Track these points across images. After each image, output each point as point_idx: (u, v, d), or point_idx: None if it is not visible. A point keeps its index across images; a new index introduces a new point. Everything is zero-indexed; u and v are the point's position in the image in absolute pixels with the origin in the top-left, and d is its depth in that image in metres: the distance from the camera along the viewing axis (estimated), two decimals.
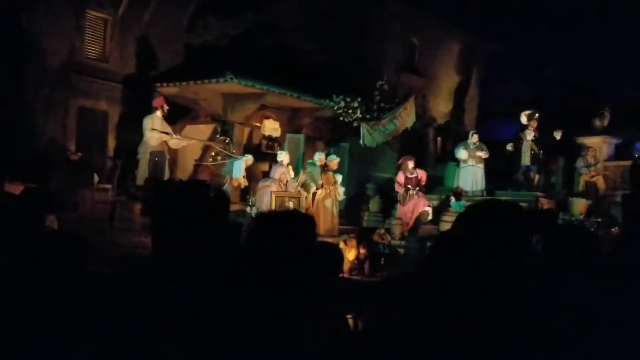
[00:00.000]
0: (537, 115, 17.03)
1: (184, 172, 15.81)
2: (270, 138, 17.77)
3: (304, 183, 14.85)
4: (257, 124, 17.43)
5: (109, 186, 13.01)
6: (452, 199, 15.95)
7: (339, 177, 15.47)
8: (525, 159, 16.90)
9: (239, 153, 15.39)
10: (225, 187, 14.33)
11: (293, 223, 2.21)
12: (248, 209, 13.29)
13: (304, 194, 14.75)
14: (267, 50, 17.26)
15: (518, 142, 17.06)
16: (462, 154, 16.80)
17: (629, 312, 2.19)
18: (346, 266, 11.02)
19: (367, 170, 17.89)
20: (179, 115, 16.40)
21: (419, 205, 15.52)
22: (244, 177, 14.70)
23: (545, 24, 24.14)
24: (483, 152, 16.72)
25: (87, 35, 15.50)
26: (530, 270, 2.06)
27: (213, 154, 14.43)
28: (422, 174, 15.81)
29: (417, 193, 15.53)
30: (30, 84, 14.03)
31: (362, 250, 11.48)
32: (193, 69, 16.09)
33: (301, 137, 17.63)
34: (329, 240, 10.12)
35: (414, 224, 15.42)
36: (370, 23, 19.69)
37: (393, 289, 2.11)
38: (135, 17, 16.23)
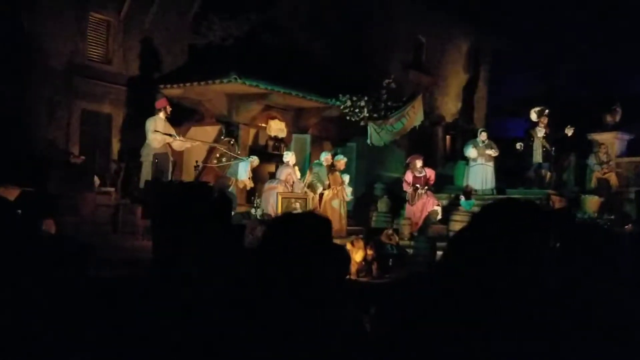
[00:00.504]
0: (547, 111, 16.79)
1: (190, 174, 15.62)
2: (276, 139, 17.58)
3: (311, 184, 14.65)
4: (263, 125, 17.24)
5: (111, 189, 12.82)
6: (462, 198, 15.75)
7: (347, 177, 15.28)
8: (537, 157, 16.66)
9: (244, 154, 15.21)
10: (230, 188, 14.15)
11: (309, 225, 2.18)
12: (253, 210, 13.09)
13: (311, 194, 14.57)
14: (272, 50, 17.06)
15: (529, 139, 16.83)
16: (471, 152, 16.58)
17: None
18: (353, 267, 10.79)
19: (375, 170, 17.69)
20: (184, 117, 16.25)
21: (428, 205, 15.32)
22: (249, 178, 14.51)
23: (554, 19, 23.83)
24: (492, 150, 16.50)
25: (89, 37, 15.34)
26: (548, 270, 2.02)
27: (218, 155, 14.25)
28: (430, 173, 15.59)
29: (425, 192, 15.33)
30: (33, 87, 13.91)
31: (369, 251, 11.22)
32: (197, 70, 15.93)
33: (307, 137, 17.43)
34: (337, 241, 9.88)
35: (423, 224, 15.22)
36: (376, 21, 19.46)
37: (407, 289, 2.12)
38: (138, 19, 16.07)
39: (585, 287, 2.32)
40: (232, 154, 14.25)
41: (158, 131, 12.66)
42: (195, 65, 16.50)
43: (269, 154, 17.35)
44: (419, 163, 15.52)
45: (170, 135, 12.91)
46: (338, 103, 16.90)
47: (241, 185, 14.47)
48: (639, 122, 18.34)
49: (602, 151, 16.79)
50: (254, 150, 16.50)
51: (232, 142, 14.54)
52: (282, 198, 13.92)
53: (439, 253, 12.95)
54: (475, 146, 16.59)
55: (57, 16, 14.43)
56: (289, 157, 14.71)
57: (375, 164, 17.69)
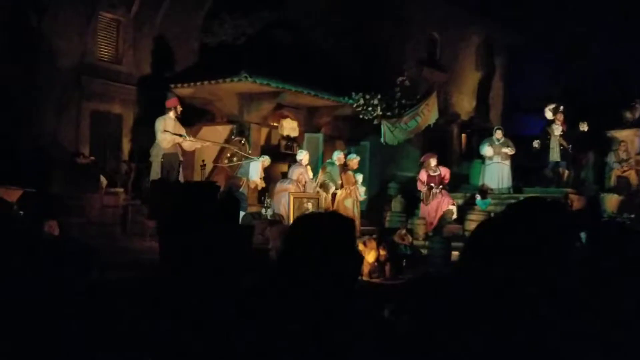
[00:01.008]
0: (562, 108, 16.52)
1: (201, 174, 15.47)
2: (289, 138, 17.38)
3: (323, 183, 14.42)
4: (275, 124, 17.05)
5: (120, 190, 12.66)
6: (478, 197, 15.52)
7: (360, 177, 15.07)
8: (554, 155, 16.39)
9: (256, 154, 15.02)
10: (241, 189, 13.98)
11: (333, 225, 2.16)
12: (263, 210, 12.89)
13: (323, 194, 14.34)
14: (284, 48, 16.88)
15: (545, 137, 16.52)
16: (487, 150, 16.33)
17: None
18: (366, 268, 10.59)
19: (389, 169, 17.51)
20: (195, 116, 16.09)
21: (442, 204, 15.11)
22: (261, 178, 14.31)
23: (571, 14, 23.44)
24: (509, 148, 16.23)
25: (99, 36, 15.22)
26: (576, 270, 2.02)
27: (229, 155, 14.05)
28: (445, 172, 15.36)
29: (440, 191, 15.09)
30: (42, 87, 13.81)
31: (382, 252, 10.98)
32: (208, 69, 15.76)
33: (320, 136, 17.22)
34: None
35: (438, 224, 15.01)
36: (389, 17, 19.20)
37: (430, 289, 2.10)
38: (148, 18, 15.94)
39: (612, 287, 2.27)
40: (243, 153, 14.04)
41: (168, 131, 12.45)
42: (207, 64, 16.34)
43: (281, 154, 17.17)
44: (433, 162, 15.31)
45: (180, 135, 12.72)
46: (351, 101, 16.69)
47: (252, 186, 14.29)
48: None
49: (622, 149, 16.57)
50: (266, 150, 16.33)
51: (243, 142, 14.33)
52: (293, 198, 13.72)
53: (455, 253, 12.76)
54: (491, 144, 16.33)
55: (67, 16, 14.33)
56: (303, 155, 14.51)
57: (389, 163, 17.50)
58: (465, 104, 22.36)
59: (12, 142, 12.41)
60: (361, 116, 16.83)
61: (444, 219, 15.04)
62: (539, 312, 1.79)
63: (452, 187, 16.31)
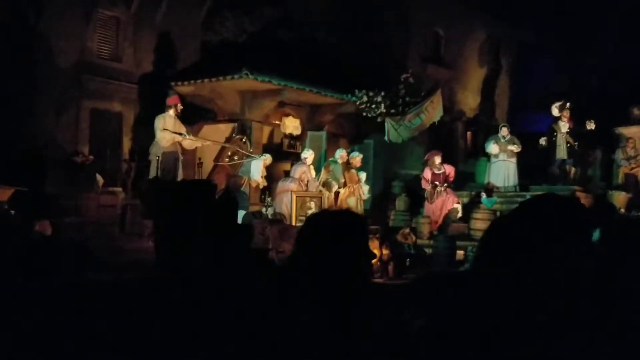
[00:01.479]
0: (568, 105, 16.26)
1: (204, 173, 15.30)
2: (291, 136, 17.19)
3: (326, 182, 14.23)
4: (277, 122, 16.84)
5: (119, 189, 12.48)
6: (483, 195, 15.27)
7: (363, 175, 14.90)
8: (561, 152, 16.15)
9: (257, 152, 14.82)
10: (243, 188, 13.80)
11: (346, 222, 2.14)
12: (264, 209, 12.70)
13: (326, 193, 14.15)
14: (286, 45, 16.69)
15: (552, 134, 16.27)
16: (492, 148, 16.09)
17: None
18: None
19: (393, 167, 17.28)
20: (197, 115, 15.93)
21: (447, 203, 14.90)
22: (263, 177, 14.12)
23: (577, 10, 23.19)
24: (515, 145, 15.99)
25: (98, 34, 15.08)
26: (593, 268, 1.93)
27: (229, 153, 13.85)
28: (449, 170, 15.14)
29: (445, 190, 14.87)
30: (40, 86, 13.68)
31: (385, 251, 10.78)
32: (210, 66, 15.60)
33: (323, 134, 17.01)
34: None
35: (443, 222, 14.78)
36: (393, 13, 18.99)
37: (449, 288, 2.07)
38: (148, 15, 15.78)
39: (629, 284, 2.20)
40: (244, 152, 13.85)
41: (167, 129, 12.28)
42: (208, 62, 16.19)
43: (284, 152, 16.98)
44: (437, 159, 15.10)
45: (180, 133, 12.53)
46: (354, 99, 16.49)
47: (254, 185, 14.10)
48: None
49: (630, 146, 16.36)
50: (268, 148, 16.14)
51: (244, 140, 14.14)
52: (296, 197, 13.54)
53: (460, 252, 12.56)
54: (497, 142, 16.10)
55: (65, 14, 14.22)
56: (308, 154, 14.32)
57: (393, 161, 17.26)
58: (470, 101, 22.15)
59: (8, 142, 12.25)
60: (365, 114, 16.64)
61: (448, 218, 14.82)
62: (554, 311, 1.76)
63: (457, 185, 16.08)
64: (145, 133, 14.00)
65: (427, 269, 11.46)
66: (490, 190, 15.63)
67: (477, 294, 1.85)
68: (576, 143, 16.03)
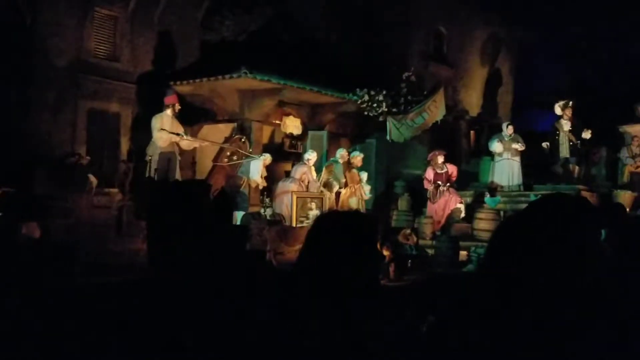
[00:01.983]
0: (571, 103, 16.07)
1: (203, 173, 15.12)
2: (292, 136, 16.99)
3: (327, 182, 14.03)
4: (277, 122, 16.63)
5: (115, 190, 12.28)
6: (487, 195, 15.06)
7: (364, 175, 14.72)
8: (564, 151, 15.95)
9: (258, 152, 14.62)
10: (242, 188, 13.61)
11: (355, 223, 2.14)
12: (262, 210, 12.49)
13: (327, 193, 13.96)
14: (286, 44, 16.48)
15: (554, 133, 16.06)
16: (497, 146, 15.86)
17: None
18: None
19: (396, 167, 17.09)
20: (197, 115, 15.75)
21: (450, 203, 14.72)
22: (262, 177, 13.91)
23: (581, 7, 22.97)
24: (519, 144, 15.77)
25: (95, 33, 14.84)
26: (603, 268, 1.91)
27: (229, 153, 13.64)
28: (452, 169, 14.95)
29: (448, 189, 14.66)
30: (36, 86, 13.51)
31: (385, 252, 10.54)
32: (209, 66, 15.40)
33: (324, 134, 16.81)
34: None
35: (446, 223, 14.56)
36: (394, 11, 18.77)
37: (452, 288, 2.08)
38: (146, 14, 15.57)
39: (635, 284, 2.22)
40: (243, 152, 13.64)
41: (164, 129, 12.06)
42: (207, 61, 15.99)
43: (285, 152, 16.77)
44: (440, 159, 14.93)
45: (177, 134, 12.31)
46: (355, 98, 16.29)
47: (254, 185, 13.91)
48: None
49: (635, 144, 16.20)
50: (270, 148, 15.95)
51: (243, 140, 13.92)
52: (297, 198, 13.36)
53: (463, 253, 12.35)
54: (501, 140, 15.89)
55: (61, 12, 14.00)
56: (311, 156, 14.14)
57: (395, 161, 17.07)
58: (473, 100, 21.94)
59: (3, 142, 12.08)
60: (366, 113, 16.44)
61: (451, 218, 14.62)
62: (565, 311, 1.76)
63: (460, 185, 15.95)
64: (143, 133, 13.81)
65: (430, 270, 11.26)
66: (493, 189, 15.42)
67: (484, 295, 1.85)
68: (578, 141, 15.81)
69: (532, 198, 13.62)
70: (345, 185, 14.39)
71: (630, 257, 2.60)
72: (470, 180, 17.31)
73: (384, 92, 16.32)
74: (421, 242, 13.13)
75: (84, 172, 11.56)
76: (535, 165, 16.49)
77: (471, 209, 14.96)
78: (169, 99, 12.68)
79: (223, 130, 15.96)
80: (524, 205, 2.01)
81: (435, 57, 20.19)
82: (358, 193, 14.43)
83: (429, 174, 14.90)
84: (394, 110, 16.47)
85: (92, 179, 11.71)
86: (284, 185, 13.77)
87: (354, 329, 1.99)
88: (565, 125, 15.91)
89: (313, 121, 17.17)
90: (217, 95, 15.63)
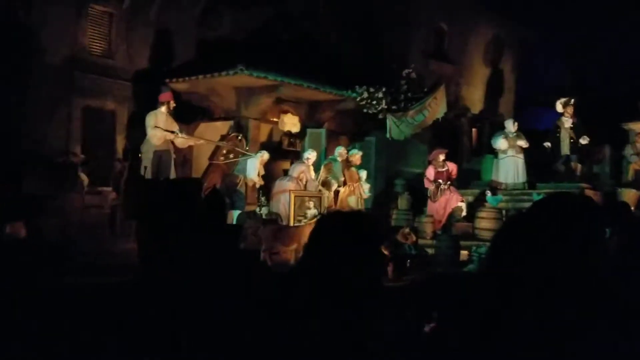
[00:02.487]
0: (572, 101, 15.87)
1: (199, 172, 14.93)
2: (291, 134, 16.78)
3: (325, 181, 13.80)
4: (275, 120, 16.42)
5: (108, 189, 12.07)
6: (488, 193, 14.81)
7: (363, 173, 14.50)
8: (564, 148, 15.71)
9: (255, 150, 14.40)
10: (239, 187, 13.39)
11: (357, 223, 2.13)
12: (258, 209, 12.28)
13: (326, 192, 13.73)
14: (284, 41, 16.27)
15: (556, 131, 15.85)
16: (501, 143, 15.60)
17: None
18: None
19: (396, 165, 16.89)
20: (193, 113, 15.56)
21: (451, 201, 14.50)
22: (259, 175, 13.70)
23: (584, 4, 22.80)
24: (524, 141, 15.51)
25: (90, 30, 14.72)
26: (607, 267, 1.93)
27: (225, 151, 13.42)
28: (452, 167, 14.75)
29: (448, 188, 14.43)
30: (30, 84, 13.35)
31: (384, 252, 10.33)
32: (205, 63, 15.22)
33: (322, 132, 16.61)
34: None
35: (447, 222, 14.34)
36: (394, 7, 18.57)
37: (454, 288, 2.30)
38: (142, 11, 15.42)
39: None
40: (240, 150, 13.41)
41: (159, 127, 11.82)
42: (204, 59, 15.80)
43: (284, 151, 16.56)
44: (441, 157, 14.67)
45: (172, 132, 12.08)
46: (354, 95, 16.11)
47: (250, 184, 13.69)
48: None
49: (639, 141, 15.79)
50: (268, 147, 15.72)
51: (239, 138, 13.69)
52: (295, 196, 13.12)
53: (464, 253, 12.12)
54: (506, 137, 15.62)
55: (55, 9, 13.87)
56: (310, 155, 13.91)
57: (395, 159, 16.88)
58: (475, 97, 21.75)
59: (3, 143, 11.91)
60: (365, 110, 16.27)
61: (452, 217, 14.40)
62: (567, 311, 1.75)
63: (462, 183, 15.76)
64: (139, 131, 13.58)
65: (429, 270, 11.04)
66: (495, 188, 15.21)
67: (485, 295, 1.84)
68: (579, 139, 15.61)
69: (535, 196, 13.42)
70: (344, 183, 14.18)
71: (634, 256, 2.60)
72: (472, 178, 17.10)
73: (384, 90, 16.17)
74: (422, 241, 12.93)
75: (74, 171, 11.34)
76: (538, 163, 16.29)
77: (473, 208, 14.75)
78: (164, 96, 12.44)
79: (220, 128, 15.77)
80: (526, 204, 2.11)
81: (436, 54, 20.02)
82: (357, 192, 14.22)
83: (430, 172, 14.69)
84: (394, 107, 16.32)
85: (83, 177, 11.50)
86: (281, 184, 13.55)
87: (355, 330, 1.98)
88: (567, 122, 15.74)
89: (311, 119, 16.99)
90: (214, 93, 15.47)
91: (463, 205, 14.56)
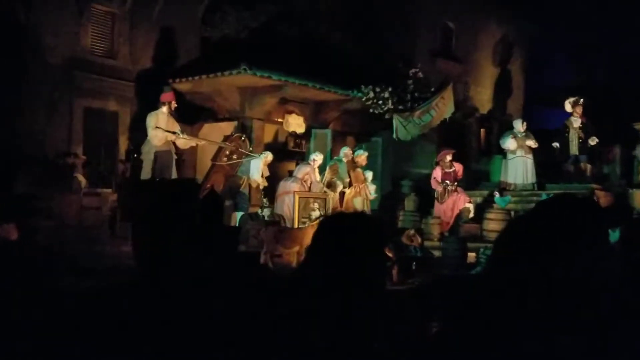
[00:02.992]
0: (581, 100, 15.66)
1: (203, 173, 14.74)
2: (297, 135, 16.56)
3: (330, 182, 13.58)
4: (280, 120, 16.21)
5: (108, 190, 11.87)
6: (496, 194, 14.56)
7: (369, 174, 14.29)
8: (573, 148, 15.48)
9: (259, 151, 14.19)
10: (242, 188, 13.19)
11: (360, 225, 2.11)
12: (259, 210, 12.06)
13: (331, 194, 13.51)
14: (288, 41, 16.06)
15: (564, 130, 15.60)
16: (510, 143, 15.38)
17: None
18: None
19: (403, 166, 16.68)
20: (197, 114, 15.38)
21: (458, 202, 14.30)
22: (263, 176, 13.48)
23: (592, 2, 22.54)
24: (533, 141, 15.27)
25: (92, 30, 14.59)
26: (610, 268, 1.85)
27: (228, 152, 13.22)
28: (458, 167, 14.52)
29: (456, 189, 14.18)
30: (30, 84, 13.19)
31: (388, 254, 10.09)
32: (209, 63, 15.03)
33: (328, 132, 16.38)
34: None
35: (455, 223, 14.10)
36: (401, 6, 18.32)
37: (460, 291, 2.14)
38: (145, 10, 15.27)
39: None
40: (243, 151, 13.20)
41: (160, 127, 11.64)
42: (208, 58, 15.63)
43: (289, 152, 16.35)
44: (448, 157, 14.44)
45: (173, 132, 11.89)
46: (360, 95, 15.91)
47: (254, 185, 13.47)
48: None
49: None
50: (274, 147, 15.52)
51: (243, 139, 13.48)
52: (299, 198, 12.90)
53: (471, 255, 11.87)
54: (515, 137, 15.38)
55: (56, 9, 13.76)
56: (318, 158, 13.69)
57: (402, 160, 16.66)
58: (483, 97, 21.50)
59: (3, 144, 11.76)
60: (371, 110, 16.06)
61: (460, 218, 14.15)
62: (571, 313, 1.73)
63: (471, 184, 15.58)
64: (142, 132, 13.46)
65: (435, 273, 10.80)
66: (503, 188, 14.96)
67: (492, 297, 1.82)
68: (587, 139, 15.35)
69: (544, 198, 13.16)
70: (350, 184, 13.96)
71: (635, 255, 2.60)
72: (480, 179, 16.89)
73: (390, 89, 15.97)
74: (428, 243, 12.72)
75: (70, 172, 11.14)
76: (547, 164, 16.05)
77: (481, 209, 14.52)
78: (165, 96, 12.27)
79: (224, 128, 15.59)
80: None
81: (443, 53, 19.78)
82: (363, 193, 14.01)
83: (437, 173, 14.46)
84: (400, 107, 16.12)
85: (81, 178, 11.31)
86: (285, 185, 13.34)
87: (359, 331, 1.97)
88: (575, 122, 15.57)
89: (317, 119, 16.78)
90: (218, 93, 15.31)
91: (471, 206, 14.35)
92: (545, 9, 22.13)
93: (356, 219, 2.17)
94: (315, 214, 12.67)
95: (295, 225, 12.34)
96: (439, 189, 14.41)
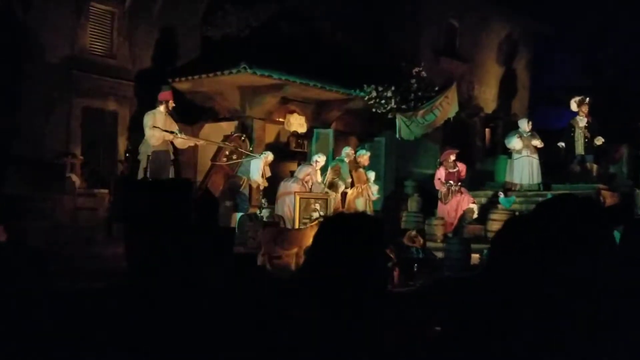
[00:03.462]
0: (587, 100, 15.51)
1: (203, 174, 14.60)
2: (298, 135, 16.41)
3: (332, 182, 13.39)
4: (281, 120, 16.05)
5: (105, 191, 11.71)
6: (501, 195, 14.39)
7: (372, 174, 14.11)
8: (579, 147, 15.30)
9: (260, 151, 14.03)
10: (242, 188, 13.02)
11: (361, 226, 2.09)
12: (258, 211, 11.88)
13: (333, 194, 13.31)
14: (290, 39, 15.89)
15: (570, 130, 15.40)
16: (516, 143, 15.20)
17: None
18: None
19: (406, 166, 16.52)
20: (197, 113, 15.23)
21: (462, 203, 14.12)
22: (264, 177, 13.31)
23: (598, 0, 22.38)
24: (538, 141, 15.07)
25: (91, 29, 14.49)
26: (610, 270, 1.83)
27: (227, 152, 13.07)
28: (462, 167, 14.35)
29: (459, 189, 13.99)
30: (28, 84, 13.12)
31: (389, 256, 9.89)
32: (210, 62, 14.90)
33: (330, 132, 16.24)
34: None
35: (458, 224, 13.91)
36: (404, 4, 18.14)
37: (462, 292, 2.03)
38: (145, 9, 15.16)
39: None
40: (243, 151, 13.03)
41: (157, 127, 11.46)
42: (208, 57, 15.48)
43: (291, 152, 16.19)
44: (452, 157, 14.24)
45: (171, 132, 11.71)
46: (362, 94, 15.76)
47: (254, 185, 13.31)
48: None
49: None
50: (275, 148, 15.39)
51: (243, 138, 13.32)
52: (300, 198, 12.71)
53: (475, 256, 11.67)
54: (520, 136, 15.19)
55: (55, 8, 13.65)
56: (320, 159, 13.49)
57: (405, 160, 16.51)
58: (488, 96, 21.32)
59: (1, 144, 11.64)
60: (374, 110, 15.89)
61: (463, 219, 13.96)
62: (574, 313, 1.72)
63: (475, 184, 15.42)
64: (141, 133, 13.32)
65: (438, 275, 10.61)
66: (508, 189, 14.78)
67: (493, 298, 1.81)
68: (593, 139, 15.16)
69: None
70: (352, 185, 13.77)
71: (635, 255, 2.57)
72: (485, 179, 16.71)
73: (393, 88, 15.84)
74: (432, 244, 12.56)
75: (61, 172, 10.97)
76: (552, 164, 15.86)
77: (486, 210, 14.35)
78: (163, 95, 12.09)
79: (225, 128, 15.49)
80: None
81: (447, 51, 19.63)
82: (365, 193, 13.81)
83: (441, 174, 14.29)
84: (404, 107, 15.98)
85: (74, 179, 11.15)
86: (286, 186, 13.15)
87: (359, 333, 1.96)
88: (581, 121, 15.44)
89: (318, 119, 16.66)
90: (218, 92, 15.21)
91: (475, 207, 14.19)
92: (550, 7, 21.96)
93: (356, 220, 2.16)
94: (316, 215, 12.50)
95: (297, 226, 12.17)
96: (442, 189, 14.24)
